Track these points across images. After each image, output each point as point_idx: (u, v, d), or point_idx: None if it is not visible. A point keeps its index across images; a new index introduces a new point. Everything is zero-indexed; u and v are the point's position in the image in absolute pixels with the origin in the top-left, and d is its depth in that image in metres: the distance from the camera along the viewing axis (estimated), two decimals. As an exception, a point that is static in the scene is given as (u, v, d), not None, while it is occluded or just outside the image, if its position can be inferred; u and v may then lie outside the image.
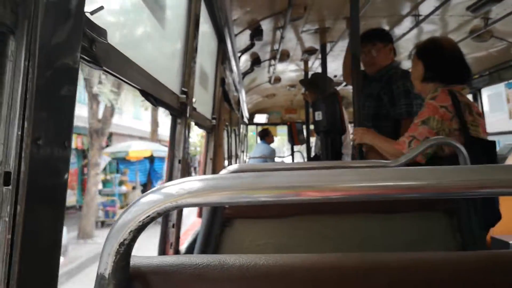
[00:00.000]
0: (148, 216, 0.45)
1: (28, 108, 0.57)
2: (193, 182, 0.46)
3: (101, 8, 0.82)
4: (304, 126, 6.15)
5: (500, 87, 4.59)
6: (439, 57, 2.01)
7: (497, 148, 4.57)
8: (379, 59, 2.68)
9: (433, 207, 1.37)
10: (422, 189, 0.45)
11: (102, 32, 0.81)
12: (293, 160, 7.13)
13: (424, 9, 3.12)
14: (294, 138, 6.76)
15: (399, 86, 2.50)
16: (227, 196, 0.45)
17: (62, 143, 0.64)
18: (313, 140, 5.69)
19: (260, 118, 8.55)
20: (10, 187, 0.54)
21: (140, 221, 0.45)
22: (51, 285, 0.62)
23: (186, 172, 1.67)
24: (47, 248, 0.61)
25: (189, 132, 1.71)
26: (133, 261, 0.51)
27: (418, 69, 2.07)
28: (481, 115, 1.98)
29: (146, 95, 1.19)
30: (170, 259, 0.55)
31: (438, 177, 0.45)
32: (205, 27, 2.31)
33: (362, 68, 2.68)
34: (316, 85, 3.88)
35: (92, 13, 0.79)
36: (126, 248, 0.46)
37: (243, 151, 7.89)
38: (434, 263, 0.55)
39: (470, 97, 4.76)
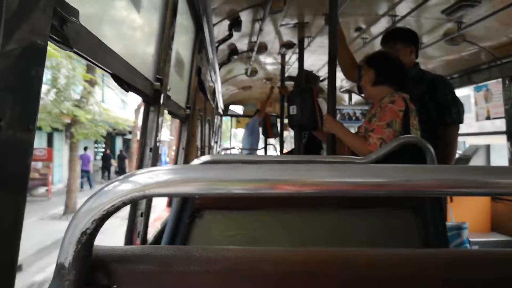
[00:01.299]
0: (113, 205, 0.44)
1: None
2: (162, 171, 0.45)
3: None
4: (278, 120, 6.17)
5: (469, 90, 4.74)
6: (388, 64, 2.28)
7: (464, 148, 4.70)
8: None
9: (400, 203, 1.40)
10: (391, 187, 0.46)
11: (74, 12, 0.78)
12: (265, 153, 7.15)
13: (401, 10, 3.17)
14: (268, 131, 6.78)
15: (447, 94, 2.64)
16: (197, 187, 0.44)
17: (26, 125, 0.61)
18: (286, 134, 5.71)
19: (235, 109, 8.52)
20: None
21: (104, 210, 0.44)
22: (10, 273, 0.60)
23: (156, 161, 1.64)
24: (6, 236, 0.59)
25: (162, 121, 1.68)
26: (95, 251, 0.50)
27: (369, 75, 2.29)
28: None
29: (118, 80, 1.16)
30: (135, 249, 0.54)
31: (409, 176, 0.46)
32: (183, 15, 2.27)
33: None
34: (298, 81, 3.88)
35: None
36: (88, 238, 0.45)
37: (216, 142, 7.85)
38: (399, 260, 0.56)
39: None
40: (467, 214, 3.74)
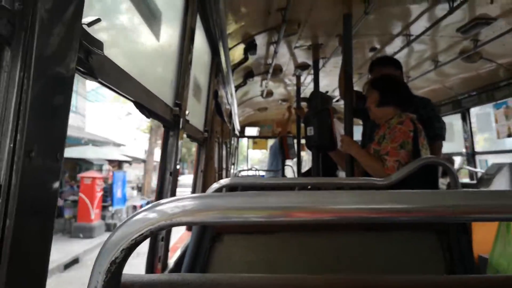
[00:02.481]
0: (141, 234, 0.45)
1: (22, 120, 0.56)
2: (187, 200, 0.46)
3: (98, 20, 0.82)
4: (295, 141, 6.17)
5: (489, 108, 4.67)
6: (391, 85, 2.35)
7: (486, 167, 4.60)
8: None
9: (425, 226, 1.38)
10: (417, 213, 0.45)
11: (98, 44, 0.81)
12: (283, 174, 7.12)
13: (415, 29, 3.18)
14: (285, 152, 6.77)
15: (428, 111, 2.71)
16: (220, 215, 0.45)
17: (54, 155, 0.63)
18: (303, 154, 5.69)
19: (251, 131, 8.56)
20: (0, 199, 0.53)
21: (132, 239, 0.45)
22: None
23: (176, 185, 1.66)
24: (35, 262, 0.60)
25: (181, 145, 1.70)
26: (124, 280, 0.50)
27: (373, 96, 2.35)
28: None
29: (140, 107, 1.19)
30: (161, 277, 0.54)
31: (436, 201, 0.46)
32: (200, 40, 2.33)
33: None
34: (314, 102, 3.90)
35: (89, 25, 0.79)
36: (117, 267, 0.45)
37: (233, 164, 7.87)
38: (426, 287, 0.55)
39: (458, 116, 4.84)
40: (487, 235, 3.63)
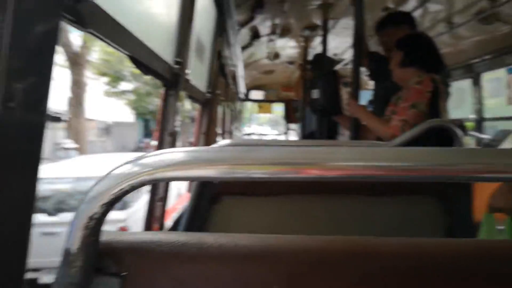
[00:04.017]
0: (121, 189, 0.41)
1: (0, 66, 0.52)
2: (175, 153, 0.42)
3: None
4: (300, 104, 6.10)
5: (500, 72, 4.54)
6: (417, 45, 2.22)
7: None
8: (392, 42, 2.60)
9: (424, 189, 1.34)
10: (419, 171, 0.42)
11: None
12: (287, 138, 7.10)
13: None
14: (290, 116, 6.72)
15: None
16: (213, 171, 0.41)
17: (37, 107, 0.59)
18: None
19: (257, 94, 8.46)
20: None
21: (112, 194, 0.41)
22: (20, 265, 0.58)
23: (175, 146, 1.62)
24: (17, 225, 0.57)
25: (181, 105, 1.65)
26: (104, 237, 0.48)
27: (397, 57, 2.22)
28: None
29: (136, 62, 1.14)
30: (145, 235, 0.52)
31: (438, 159, 0.43)
32: (204, -4, 2.23)
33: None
34: (319, 65, 3.81)
35: None
36: (96, 223, 0.43)
37: (237, 128, 7.84)
38: (423, 249, 0.53)
39: (469, 82, 4.72)
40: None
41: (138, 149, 22.03)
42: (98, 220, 0.43)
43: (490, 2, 3.18)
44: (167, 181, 0.44)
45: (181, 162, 0.41)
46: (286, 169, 0.42)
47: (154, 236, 0.51)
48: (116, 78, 18.82)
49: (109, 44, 0.94)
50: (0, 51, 0.52)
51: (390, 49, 2.68)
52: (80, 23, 0.75)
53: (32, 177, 0.59)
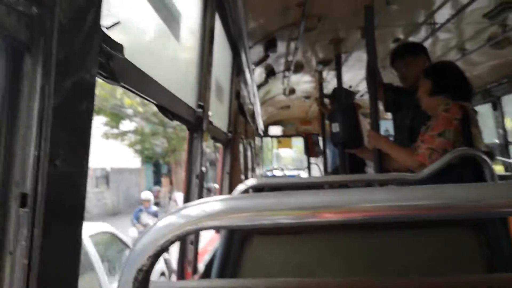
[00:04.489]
0: (167, 240, 0.43)
1: (45, 127, 0.55)
2: (213, 203, 0.44)
3: (118, 23, 0.81)
4: (320, 138, 6.10)
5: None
6: (446, 73, 2.22)
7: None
8: (411, 72, 2.61)
9: (461, 222, 1.32)
10: (451, 209, 0.42)
11: (118, 47, 0.80)
12: (309, 172, 7.06)
13: (440, 17, 3.08)
14: (310, 150, 6.71)
15: None
16: (248, 218, 0.43)
17: (80, 162, 0.62)
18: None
19: (275, 130, 8.52)
20: (27, 209, 0.52)
21: (159, 246, 0.43)
22: None
23: (203, 187, 1.65)
24: (65, 271, 0.59)
25: (205, 146, 1.69)
26: (152, 287, 0.49)
27: (425, 85, 2.21)
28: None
29: (163, 110, 1.18)
30: (190, 284, 0.53)
31: (472, 196, 0.43)
32: (220, 39, 2.31)
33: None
34: (338, 98, 3.84)
35: (108, 28, 0.78)
36: (144, 275, 0.44)
37: (258, 164, 7.86)
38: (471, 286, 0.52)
39: (489, 106, 4.67)
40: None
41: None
42: (146, 272, 0.44)
43: (501, 27, 3.20)
44: (208, 229, 0.46)
45: (221, 212, 0.43)
46: (312, 213, 0.43)
47: (199, 284, 0.52)
48: (114, 116, 15.90)
49: (138, 95, 0.99)
50: (45, 114, 0.55)
51: (405, 79, 2.70)
52: (113, 78, 0.79)
53: (77, 227, 0.62)
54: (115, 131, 17.16)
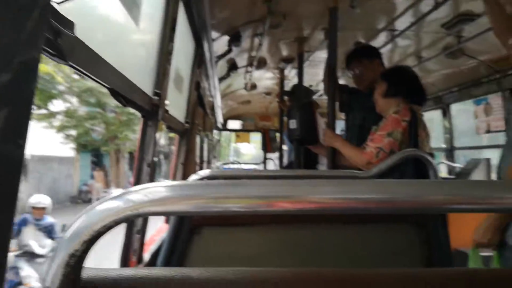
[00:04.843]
0: (105, 225, 0.41)
1: None
2: (157, 188, 0.42)
3: None
4: (277, 134, 6.16)
5: (469, 104, 4.73)
6: (402, 77, 2.31)
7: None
8: (366, 75, 2.72)
9: (404, 219, 1.37)
10: (398, 203, 0.44)
11: (69, 24, 0.76)
12: (265, 166, 7.11)
13: (400, 24, 3.18)
14: (267, 146, 6.76)
15: None
16: (194, 205, 0.41)
17: (15, 141, 0.58)
18: (285, 148, 5.69)
19: (234, 124, 8.51)
20: None
21: (95, 231, 0.41)
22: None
23: (153, 177, 1.61)
24: None
25: (159, 136, 1.65)
26: (86, 274, 0.46)
27: (381, 87, 2.30)
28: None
29: (116, 94, 1.14)
30: (128, 271, 0.51)
31: (417, 192, 0.44)
32: (183, 29, 2.27)
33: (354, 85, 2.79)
34: (297, 95, 3.88)
35: (59, 3, 0.74)
36: (77, 260, 0.41)
37: (215, 157, 7.82)
38: (402, 280, 0.54)
39: (439, 112, 4.90)
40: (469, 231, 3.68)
41: (78, 195, 16.88)
42: (79, 258, 0.42)
43: (456, 38, 3.35)
44: (150, 215, 0.44)
45: (165, 198, 0.41)
46: (264, 202, 0.43)
47: (137, 272, 0.50)
48: (40, 93, 12.46)
49: (89, 77, 0.94)
50: None
51: (360, 81, 2.79)
52: (60, 56, 0.75)
53: (8, 215, 0.57)
54: (43, 111, 14.08)
